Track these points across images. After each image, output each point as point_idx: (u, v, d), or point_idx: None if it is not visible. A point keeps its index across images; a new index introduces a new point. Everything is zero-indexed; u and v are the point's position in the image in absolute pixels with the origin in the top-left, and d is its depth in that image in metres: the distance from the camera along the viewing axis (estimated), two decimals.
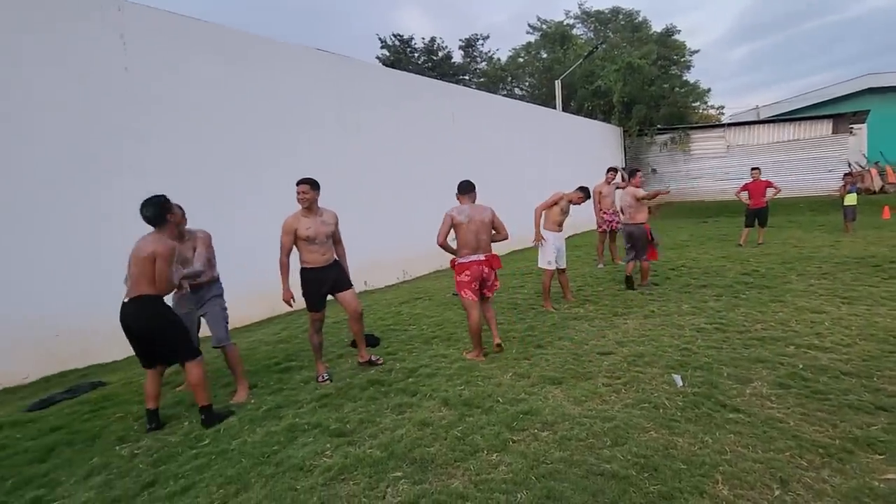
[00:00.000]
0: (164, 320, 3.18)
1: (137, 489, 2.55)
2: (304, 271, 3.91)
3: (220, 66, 6.49)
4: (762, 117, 22.19)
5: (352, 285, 4.09)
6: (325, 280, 3.93)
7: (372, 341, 4.47)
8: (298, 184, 3.80)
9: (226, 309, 3.85)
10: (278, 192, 6.93)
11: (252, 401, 3.63)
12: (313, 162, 7.40)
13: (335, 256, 4.03)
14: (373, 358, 4.25)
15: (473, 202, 4.32)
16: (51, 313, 4.84)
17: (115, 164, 5.34)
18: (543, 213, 5.66)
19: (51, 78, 4.97)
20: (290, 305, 3.88)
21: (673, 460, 2.47)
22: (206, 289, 3.74)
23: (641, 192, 6.30)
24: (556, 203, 5.59)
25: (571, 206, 5.66)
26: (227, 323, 3.84)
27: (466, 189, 4.32)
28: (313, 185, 3.83)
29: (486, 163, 11.34)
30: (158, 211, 3.13)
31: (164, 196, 3.20)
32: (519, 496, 2.27)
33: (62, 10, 5.10)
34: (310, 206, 3.83)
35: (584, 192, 5.70)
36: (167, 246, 3.08)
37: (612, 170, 8.29)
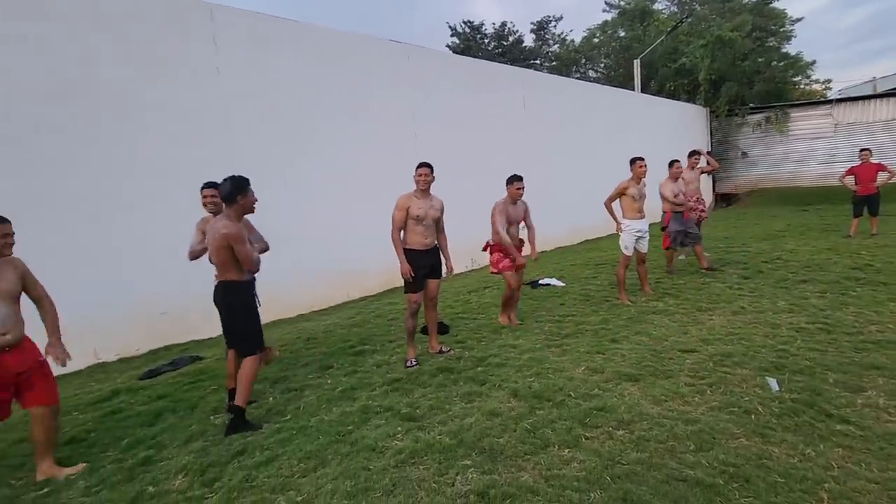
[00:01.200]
0: (238, 309, 3.20)
1: (229, 457, 2.77)
2: (406, 252, 3.96)
3: (304, 62, 6.79)
4: (879, 91, 19.47)
5: (441, 275, 4.19)
6: (425, 264, 4.02)
7: (442, 329, 4.52)
8: (420, 166, 3.98)
9: None
10: (357, 182, 7.20)
11: (329, 381, 3.81)
12: (389, 152, 7.59)
13: (436, 242, 4.13)
14: (442, 348, 4.29)
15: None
16: (157, 293, 5.39)
17: (206, 158, 5.80)
18: (617, 202, 5.46)
19: (156, 82, 5.48)
20: (411, 279, 3.91)
21: (768, 472, 2.25)
22: None
23: (669, 192, 6.33)
24: (622, 193, 5.37)
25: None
26: None
27: (513, 181, 4.68)
28: (431, 169, 4.00)
29: (558, 148, 10.99)
30: (231, 189, 3.10)
31: (246, 178, 3.19)
32: (592, 496, 2.19)
33: (165, 22, 5.60)
34: (426, 189, 4.00)
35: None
36: (235, 228, 3.05)
37: (695, 153, 7.68)
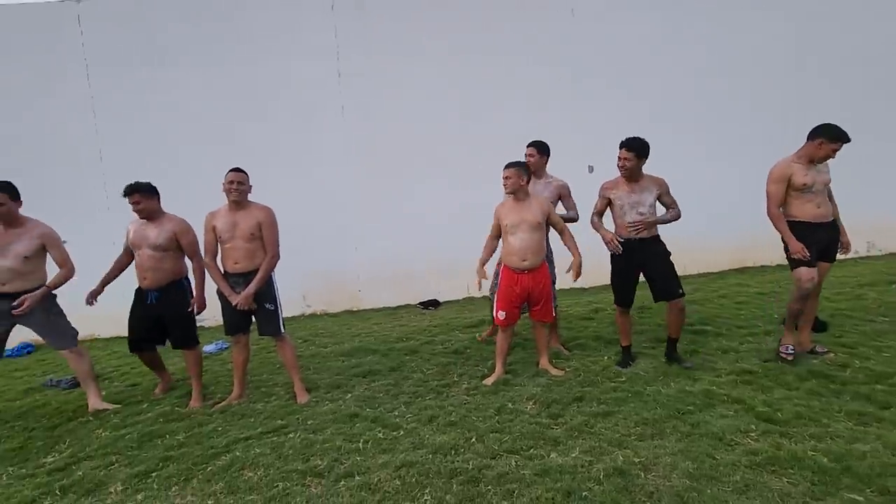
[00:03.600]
0: None
1: (569, 400, 3.09)
2: (794, 225, 3.29)
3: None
4: None
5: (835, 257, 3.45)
6: (820, 239, 3.29)
7: (818, 326, 3.63)
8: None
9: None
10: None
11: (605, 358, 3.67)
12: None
13: (831, 214, 3.34)
14: (817, 348, 3.45)
15: None
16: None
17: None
18: None
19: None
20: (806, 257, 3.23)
21: None
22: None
23: None
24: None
25: None
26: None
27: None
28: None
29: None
30: None
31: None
32: None
33: None
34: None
35: None
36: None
37: None
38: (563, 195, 3.87)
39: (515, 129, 6.09)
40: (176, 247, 3.44)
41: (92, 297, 3.52)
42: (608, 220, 3.53)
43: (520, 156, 3.49)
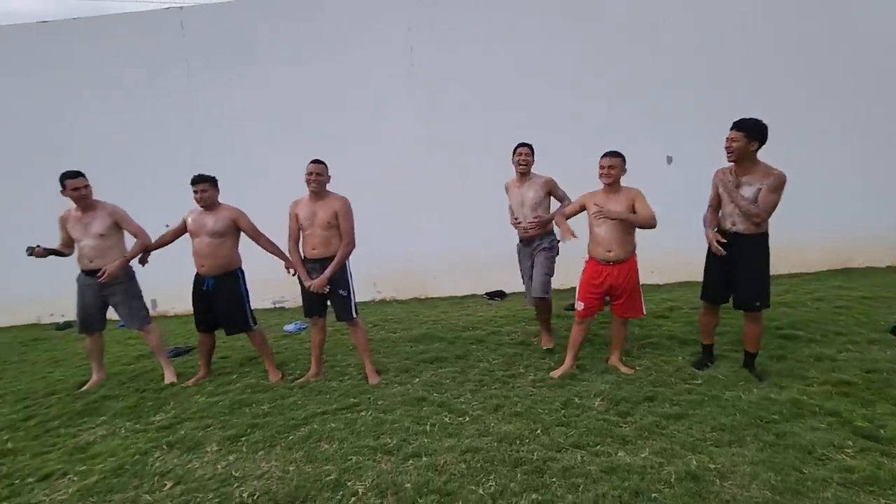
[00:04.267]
0: None
1: (639, 399, 3.00)
2: None
3: None
4: None
5: None
6: None
7: None
8: None
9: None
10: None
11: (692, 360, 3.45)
12: None
13: None
14: None
15: None
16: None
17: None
18: None
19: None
20: None
21: None
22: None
23: None
24: None
25: None
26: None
27: None
28: None
29: None
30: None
31: None
32: None
33: None
34: None
35: None
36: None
37: None
38: (553, 188, 3.84)
39: (593, 120, 5.95)
40: (233, 233, 3.68)
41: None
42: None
43: (598, 150, 3.38)
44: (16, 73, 6.29)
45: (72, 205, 3.72)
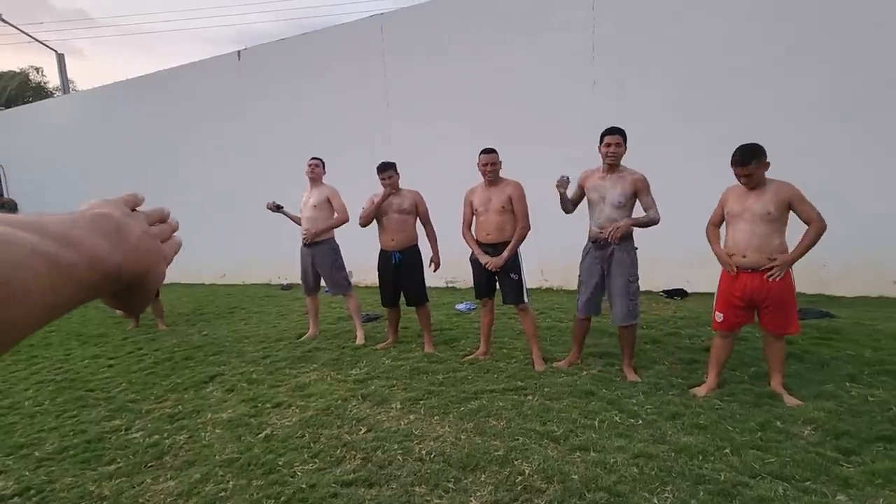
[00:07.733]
0: None
1: (871, 437, 2.43)
2: None
3: None
4: None
5: None
6: None
7: None
8: None
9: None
10: None
11: None
12: None
13: None
14: None
15: None
16: None
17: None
18: None
19: None
20: None
21: None
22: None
23: None
24: None
25: None
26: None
27: None
28: None
29: None
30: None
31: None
32: None
33: None
34: None
35: None
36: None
37: None
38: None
39: (802, 97, 4.91)
40: (414, 212, 4.09)
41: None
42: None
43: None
44: (266, 83, 7.91)
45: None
